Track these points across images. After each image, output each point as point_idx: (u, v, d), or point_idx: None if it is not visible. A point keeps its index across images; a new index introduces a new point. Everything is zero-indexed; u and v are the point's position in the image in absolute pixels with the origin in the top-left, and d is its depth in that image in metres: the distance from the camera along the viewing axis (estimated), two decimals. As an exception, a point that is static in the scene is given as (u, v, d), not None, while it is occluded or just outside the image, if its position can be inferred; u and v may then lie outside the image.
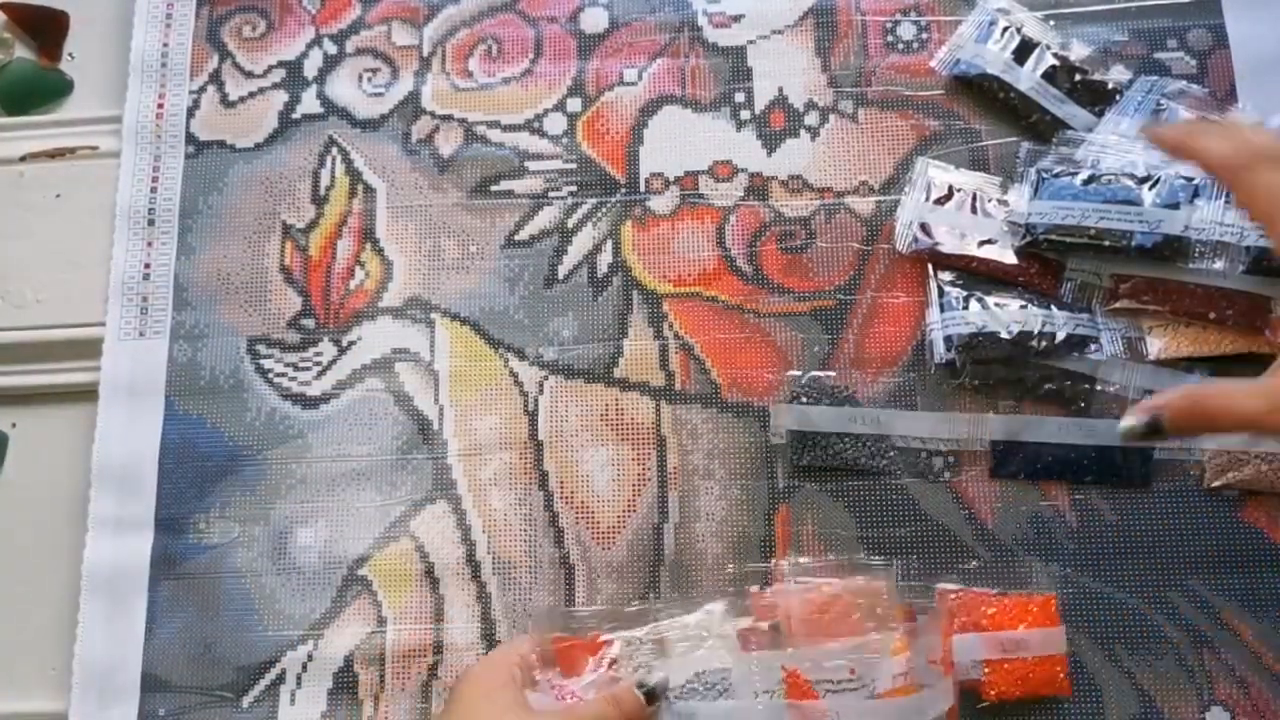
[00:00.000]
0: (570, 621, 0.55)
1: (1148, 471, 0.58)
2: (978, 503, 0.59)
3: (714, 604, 0.54)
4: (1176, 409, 0.43)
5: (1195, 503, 0.58)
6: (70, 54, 0.73)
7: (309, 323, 0.65)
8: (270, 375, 0.64)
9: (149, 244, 0.67)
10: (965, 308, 0.59)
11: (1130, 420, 0.44)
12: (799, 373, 0.62)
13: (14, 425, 0.67)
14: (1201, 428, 0.43)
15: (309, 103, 0.69)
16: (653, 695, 0.51)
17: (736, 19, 0.68)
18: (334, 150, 0.68)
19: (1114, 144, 0.61)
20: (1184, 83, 0.63)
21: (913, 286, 0.62)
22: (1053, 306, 0.59)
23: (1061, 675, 0.55)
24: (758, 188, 0.65)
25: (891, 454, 0.60)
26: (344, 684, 0.59)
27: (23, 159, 0.70)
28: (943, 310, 0.60)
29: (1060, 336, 0.59)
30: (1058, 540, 0.58)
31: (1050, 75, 0.64)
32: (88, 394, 0.65)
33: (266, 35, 0.71)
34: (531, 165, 0.67)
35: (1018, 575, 0.57)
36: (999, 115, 0.65)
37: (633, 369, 0.63)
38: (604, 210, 0.66)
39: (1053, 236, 0.59)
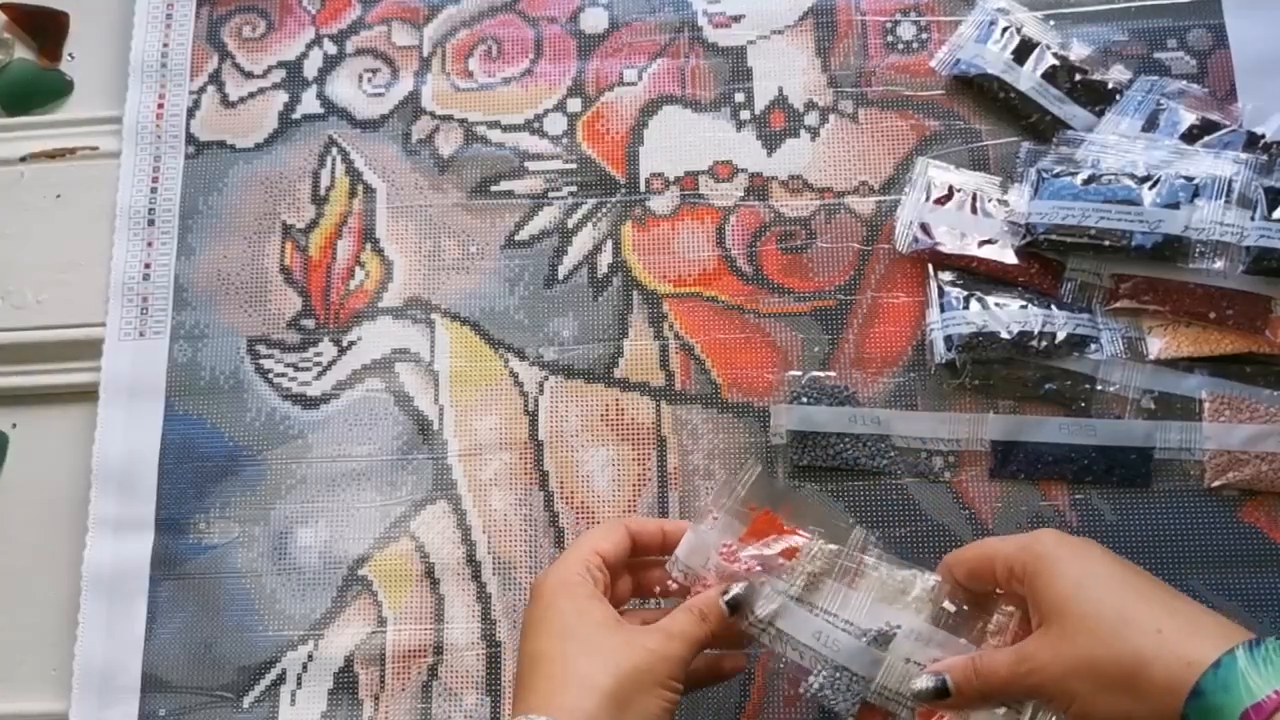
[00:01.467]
0: (781, 499, 0.51)
1: (1148, 471, 0.58)
2: (978, 503, 0.59)
3: (929, 576, 0.49)
4: (959, 672, 0.46)
5: (1195, 503, 0.58)
6: (70, 54, 0.73)
7: (309, 323, 0.65)
8: (270, 375, 0.64)
9: (149, 244, 0.67)
10: (965, 308, 0.59)
11: (921, 681, 0.46)
12: (799, 373, 0.62)
13: (14, 425, 0.67)
14: (980, 690, 0.45)
15: (309, 103, 0.69)
16: (735, 606, 0.48)
17: (736, 19, 0.68)
18: (334, 150, 0.68)
19: (1114, 144, 0.61)
20: (1184, 83, 0.63)
21: (913, 286, 0.62)
22: (1053, 306, 0.59)
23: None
24: (758, 188, 0.65)
25: (891, 454, 0.60)
26: (344, 684, 0.59)
27: (23, 159, 0.70)
28: (943, 310, 0.60)
29: (1060, 336, 0.59)
30: (1058, 540, 0.58)
31: (1050, 75, 0.64)
32: (88, 394, 0.65)
33: (266, 35, 0.71)
34: (531, 165, 0.67)
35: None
36: (999, 115, 0.65)
37: (633, 369, 0.63)
38: (604, 210, 0.66)
39: (1053, 236, 0.59)
